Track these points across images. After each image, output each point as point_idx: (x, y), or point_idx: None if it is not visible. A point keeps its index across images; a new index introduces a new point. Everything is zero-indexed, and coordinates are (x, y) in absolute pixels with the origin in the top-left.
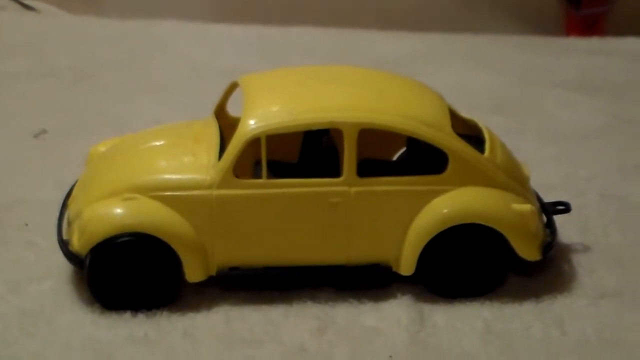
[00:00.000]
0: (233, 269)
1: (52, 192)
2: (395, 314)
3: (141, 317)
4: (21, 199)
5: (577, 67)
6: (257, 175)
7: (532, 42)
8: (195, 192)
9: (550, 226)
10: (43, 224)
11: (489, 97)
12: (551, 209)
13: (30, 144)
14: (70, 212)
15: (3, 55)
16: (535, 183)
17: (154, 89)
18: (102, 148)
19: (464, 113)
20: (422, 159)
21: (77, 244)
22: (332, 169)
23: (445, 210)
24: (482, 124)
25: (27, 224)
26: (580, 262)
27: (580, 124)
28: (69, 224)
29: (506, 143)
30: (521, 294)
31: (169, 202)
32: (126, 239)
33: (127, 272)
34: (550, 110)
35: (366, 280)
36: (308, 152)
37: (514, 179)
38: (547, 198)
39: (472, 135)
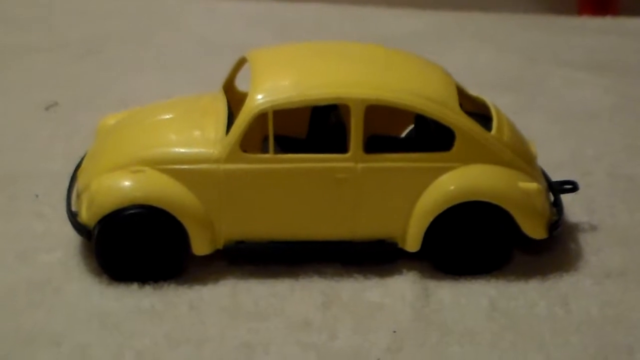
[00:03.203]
0: (240, 242)
1: (62, 164)
2: (400, 290)
3: (148, 289)
4: (31, 170)
5: (587, 47)
6: (265, 150)
7: (542, 21)
8: (203, 166)
9: (557, 205)
10: (53, 196)
11: (497, 75)
12: (558, 188)
13: (40, 116)
14: (79, 184)
15: (14, 29)
16: (542, 161)
17: (163, 63)
18: (111, 121)
19: (473, 91)
20: (429, 136)
21: (86, 215)
22: (340, 145)
23: (451, 188)
24: (489, 102)
25: (37, 195)
26: (587, 241)
27: (588, 103)
28: (78, 195)
29: (514, 121)
30: (527, 272)
31: (177, 175)
32: (134, 211)
33: (134, 244)
34: (559, 89)
35: (372, 256)
36: (316, 127)
37: (521, 157)
38: (555, 177)
39: (480, 113)
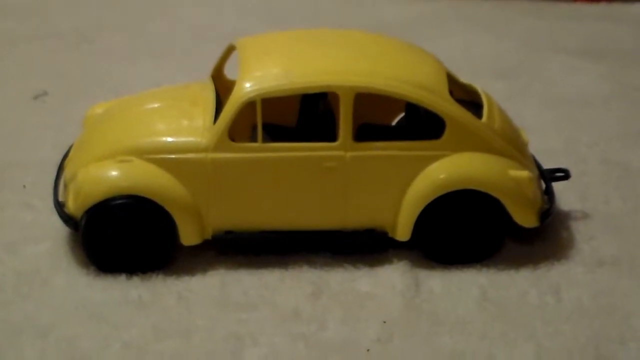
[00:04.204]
0: (228, 232)
1: (51, 153)
2: (390, 280)
3: (136, 280)
4: (19, 160)
5: (582, 33)
6: (254, 139)
7: (538, 7)
8: (191, 155)
9: (548, 193)
10: (41, 186)
11: (492, 62)
12: (550, 176)
13: (29, 105)
14: (66, 174)
15: (5, 16)
16: (536, 149)
17: (154, 52)
18: (98, 110)
19: (467, 78)
20: (420, 124)
21: (72, 206)
22: (329, 134)
23: (441, 176)
24: (480, 89)
25: (24, 186)
26: (579, 229)
27: (584, 90)
28: (65, 186)
29: (508, 108)
30: (518, 261)
31: (164, 164)
32: (121, 201)
33: (122, 235)
34: (553, 76)
35: (362, 246)
36: (305, 116)
37: (512, 145)
38: (548, 164)
39: (471, 100)
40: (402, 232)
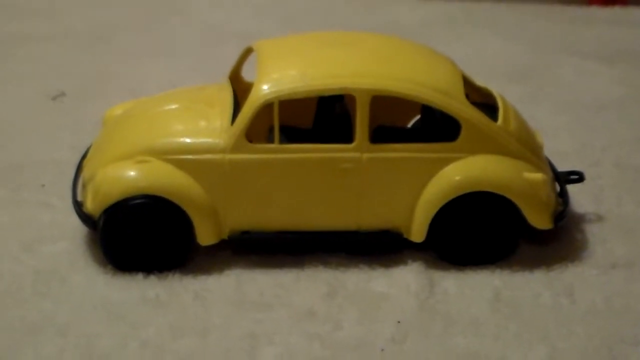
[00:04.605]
0: (245, 232)
1: (69, 153)
2: (405, 280)
3: (153, 279)
4: (38, 160)
5: (596, 37)
6: (271, 140)
7: (552, 10)
8: (208, 156)
9: (562, 195)
10: (59, 186)
11: (506, 65)
12: (564, 178)
13: (47, 105)
14: (84, 174)
15: (20, 17)
16: (550, 152)
17: (170, 52)
18: (117, 111)
19: (481, 81)
20: (435, 126)
21: (91, 205)
22: (345, 135)
23: (457, 178)
24: (496, 92)
25: (43, 185)
26: (593, 232)
27: (597, 93)
28: (83, 185)
29: (522, 111)
30: (532, 263)
31: (182, 165)
32: (139, 201)
33: (139, 234)
34: (567, 80)
35: (377, 246)
36: (322, 118)
37: (527, 148)
38: (562, 167)
39: (486, 103)
40: (417, 233)
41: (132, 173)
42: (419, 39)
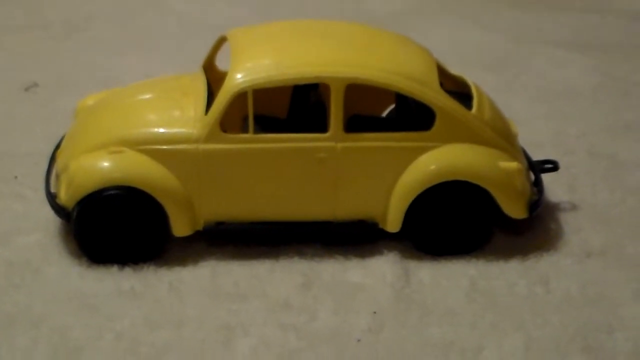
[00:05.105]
0: (220, 223)
1: (42, 144)
2: (380, 271)
3: (128, 271)
4: (11, 151)
5: (570, 25)
6: (245, 130)
7: None
8: (182, 146)
9: (537, 184)
10: (32, 177)
11: (480, 54)
12: (539, 167)
13: (19, 96)
14: (57, 165)
15: None
16: (524, 141)
17: (145, 43)
18: (90, 101)
19: (456, 70)
20: (410, 115)
21: (64, 196)
22: (320, 125)
23: (432, 167)
24: (470, 80)
25: (16, 177)
26: (567, 221)
27: (571, 82)
28: (57, 176)
29: (497, 100)
30: (507, 252)
31: (156, 155)
32: (113, 192)
33: (113, 226)
34: (541, 68)
35: (352, 237)
36: (296, 107)
37: (501, 136)
38: (536, 156)
39: (461, 91)
40: (393, 223)
41: (105, 164)
42: (394, 27)
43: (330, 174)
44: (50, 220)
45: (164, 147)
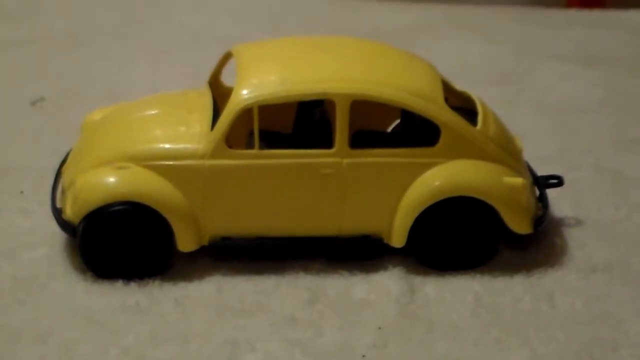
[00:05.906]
0: (225, 238)
1: (48, 159)
2: (385, 286)
3: (133, 286)
4: (17, 166)
5: (575, 40)
6: (250, 145)
7: (531, 14)
8: (188, 162)
9: (542, 199)
10: (39, 192)
11: (487, 69)
12: (544, 183)
13: (26, 111)
14: (64, 180)
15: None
16: (530, 156)
17: (151, 56)
18: (96, 116)
19: (462, 85)
20: (415, 131)
21: (70, 212)
22: (325, 140)
23: (437, 183)
24: (475, 96)
25: (22, 192)
26: (572, 236)
27: (577, 97)
28: (63, 192)
29: (502, 115)
30: (512, 267)
31: (162, 171)
32: (118, 207)
33: (119, 241)
34: (547, 83)
35: (357, 252)
36: (302, 123)
37: (506, 152)
38: (542, 171)
39: (466, 107)
40: (398, 238)
41: (111, 179)
42: (399, 43)
43: (335, 190)
44: (56, 235)
45: (170, 162)
